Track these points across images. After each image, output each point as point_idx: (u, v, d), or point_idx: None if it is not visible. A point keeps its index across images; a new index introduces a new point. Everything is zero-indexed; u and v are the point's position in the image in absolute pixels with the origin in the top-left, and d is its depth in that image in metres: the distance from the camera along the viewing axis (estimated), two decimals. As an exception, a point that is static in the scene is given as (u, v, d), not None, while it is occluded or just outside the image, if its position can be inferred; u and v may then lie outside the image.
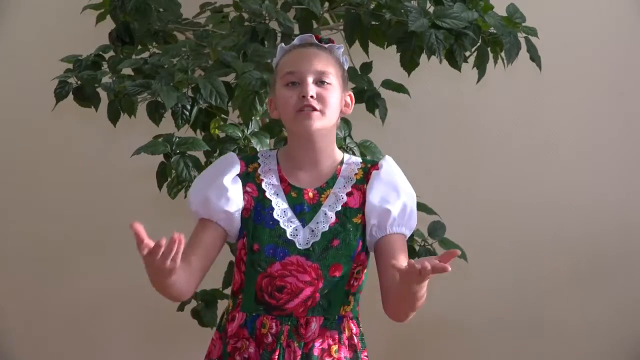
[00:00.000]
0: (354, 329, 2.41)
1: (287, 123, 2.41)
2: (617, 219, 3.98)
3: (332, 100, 2.37)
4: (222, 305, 3.37)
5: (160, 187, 3.00)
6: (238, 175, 2.40)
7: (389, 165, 2.44)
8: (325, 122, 2.37)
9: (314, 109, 2.35)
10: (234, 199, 2.38)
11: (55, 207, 4.12)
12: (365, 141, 3.10)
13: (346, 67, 2.47)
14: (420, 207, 3.16)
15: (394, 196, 2.39)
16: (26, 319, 4.16)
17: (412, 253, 3.26)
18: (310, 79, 2.36)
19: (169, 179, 2.95)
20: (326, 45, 2.43)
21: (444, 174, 3.99)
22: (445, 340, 4.07)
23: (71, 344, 4.17)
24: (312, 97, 2.35)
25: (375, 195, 2.39)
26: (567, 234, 3.99)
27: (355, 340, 2.41)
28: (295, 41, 2.45)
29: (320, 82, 2.37)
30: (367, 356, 2.44)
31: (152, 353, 4.16)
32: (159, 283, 2.31)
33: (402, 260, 2.32)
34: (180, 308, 3.41)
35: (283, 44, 2.47)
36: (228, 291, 3.37)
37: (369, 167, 2.44)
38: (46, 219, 4.13)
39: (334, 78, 2.39)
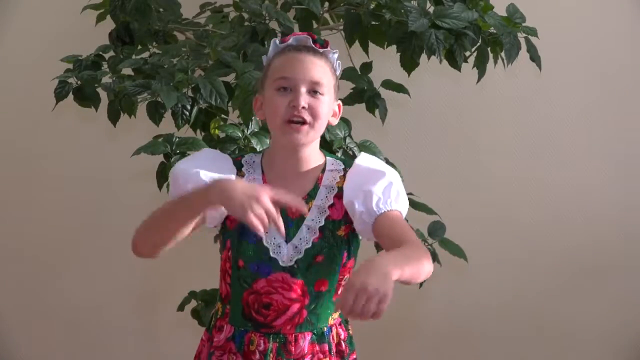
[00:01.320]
0: (342, 334, 2.40)
1: (273, 131, 2.34)
2: (617, 221, 3.98)
3: (323, 112, 2.30)
4: (222, 305, 3.37)
5: (160, 187, 3.00)
6: None
7: (361, 159, 2.37)
8: (313, 135, 2.31)
9: (304, 121, 2.28)
10: None
11: (55, 207, 4.12)
12: (365, 141, 3.09)
13: (339, 74, 2.40)
14: (420, 207, 3.17)
15: (374, 178, 2.31)
16: (26, 319, 4.16)
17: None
18: (303, 88, 2.29)
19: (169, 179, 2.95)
20: (322, 50, 2.36)
21: (443, 174, 3.99)
22: (444, 340, 4.08)
23: (71, 344, 4.17)
24: (303, 107, 2.28)
25: (351, 184, 2.32)
26: (567, 236, 4.00)
27: (343, 345, 2.39)
28: (291, 41, 2.36)
29: (313, 92, 2.30)
30: (355, 359, 2.42)
31: (152, 353, 4.16)
32: (168, 228, 2.27)
33: (410, 236, 2.22)
34: (181, 308, 3.41)
35: (277, 41, 2.38)
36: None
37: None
38: (46, 219, 4.13)
39: (327, 89, 2.31)
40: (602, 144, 3.96)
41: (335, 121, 2.39)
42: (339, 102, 2.40)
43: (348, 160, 2.42)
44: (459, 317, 4.06)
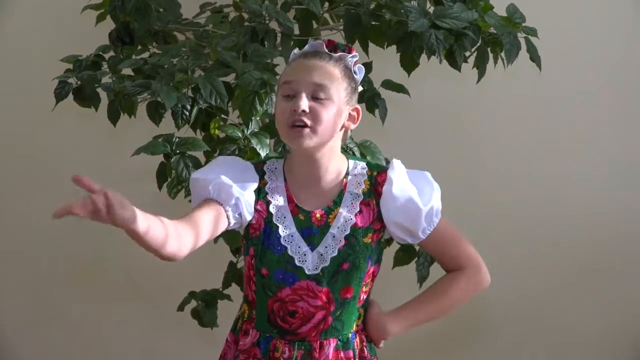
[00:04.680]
0: (365, 340, 2.39)
1: (281, 137, 2.33)
2: (617, 221, 3.98)
3: (326, 117, 2.26)
4: (222, 305, 3.37)
5: (160, 187, 3.00)
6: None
7: (396, 176, 2.35)
8: (317, 139, 2.27)
9: (305, 125, 2.25)
10: (249, 201, 2.32)
11: (55, 207, 4.11)
12: (365, 141, 3.09)
13: (360, 77, 2.37)
14: (420, 207, 3.16)
15: (414, 208, 2.33)
16: (26, 319, 4.16)
17: (412, 253, 3.26)
18: (304, 92, 2.27)
19: (169, 179, 2.95)
20: (336, 55, 2.32)
21: (443, 175, 3.95)
22: (444, 340, 4.07)
23: (70, 344, 4.17)
24: (303, 111, 2.25)
25: (394, 218, 2.33)
26: (567, 236, 3.99)
27: (366, 352, 2.39)
28: (307, 47, 2.35)
29: (316, 96, 2.27)
30: None
31: (152, 353, 4.16)
32: (142, 242, 2.17)
33: (462, 246, 2.47)
34: (181, 308, 3.41)
35: (297, 49, 2.37)
36: (228, 291, 3.38)
37: (375, 176, 2.36)
38: (46, 219, 4.12)
39: (333, 92, 2.27)
40: (602, 143, 3.96)
41: (352, 126, 2.36)
42: (357, 106, 2.36)
43: (372, 163, 2.40)
44: (459, 316, 4.06)
